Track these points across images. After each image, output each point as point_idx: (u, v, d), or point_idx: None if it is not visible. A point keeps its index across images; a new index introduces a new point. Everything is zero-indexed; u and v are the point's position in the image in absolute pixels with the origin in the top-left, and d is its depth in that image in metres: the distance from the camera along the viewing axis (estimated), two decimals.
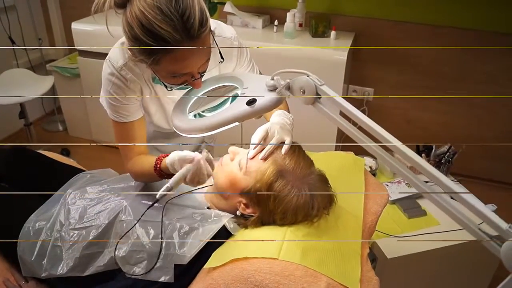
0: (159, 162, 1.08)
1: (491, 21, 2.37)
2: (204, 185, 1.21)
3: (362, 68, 2.72)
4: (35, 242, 1.13)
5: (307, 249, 0.94)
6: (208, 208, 1.14)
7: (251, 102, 0.96)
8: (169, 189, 1.01)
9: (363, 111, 2.76)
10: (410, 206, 1.81)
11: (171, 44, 0.93)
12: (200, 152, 1.04)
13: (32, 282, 1.17)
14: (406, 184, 1.91)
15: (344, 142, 2.63)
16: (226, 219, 1.05)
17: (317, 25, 2.50)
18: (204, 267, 0.97)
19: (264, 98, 0.95)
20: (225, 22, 1.31)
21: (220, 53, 1.13)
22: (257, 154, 1.05)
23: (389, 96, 2.71)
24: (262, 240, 0.97)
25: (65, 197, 1.21)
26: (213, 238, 1.00)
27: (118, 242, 1.05)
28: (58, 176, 1.34)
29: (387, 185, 1.89)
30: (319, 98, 0.90)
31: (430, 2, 2.44)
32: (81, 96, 2.89)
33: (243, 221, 1.06)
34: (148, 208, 1.07)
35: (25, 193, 1.24)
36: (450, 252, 1.65)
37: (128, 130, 1.19)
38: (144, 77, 1.16)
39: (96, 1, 0.97)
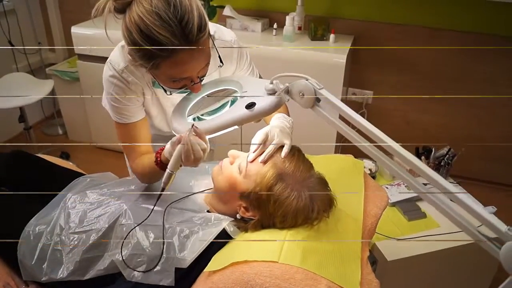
0: (158, 155, 1.08)
1: (490, 23, 2.38)
2: (204, 188, 1.22)
3: (362, 71, 2.72)
4: (35, 246, 1.13)
5: (307, 252, 0.94)
6: (208, 211, 1.14)
7: (250, 105, 0.96)
8: (170, 174, 1.00)
9: (363, 114, 2.77)
10: (410, 208, 1.81)
11: (169, 50, 0.93)
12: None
13: (32, 286, 1.17)
14: (406, 186, 1.91)
15: (343, 144, 2.64)
16: (226, 223, 1.05)
17: (316, 28, 2.51)
18: (204, 270, 0.97)
19: (263, 102, 0.95)
20: (224, 25, 1.32)
21: (219, 57, 1.13)
22: (256, 157, 1.05)
23: (389, 96, 2.70)
24: (263, 240, 0.97)
25: (65, 201, 1.21)
26: (212, 241, 1.00)
27: (122, 245, 1.04)
28: (58, 180, 1.34)
29: (387, 188, 1.90)
30: (318, 101, 0.91)
31: (429, 5, 2.45)
32: (81, 96, 2.88)
33: (243, 225, 1.06)
34: (153, 208, 1.07)
35: (24, 194, 1.24)
36: (450, 254, 1.65)
37: (131, 131, 1.20)
38: (145, 80, 1.17)
39: (96, 6, 0.97)
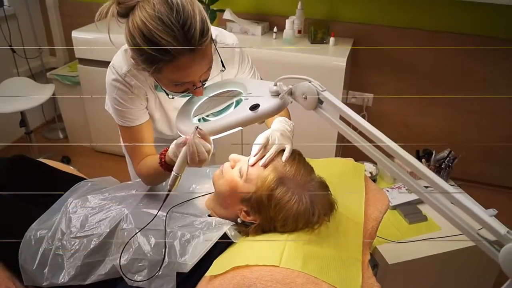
0: (163, 156, 1.08)
1: (490, 26, 2.39)
2: (206, 192, 1.22)
3: (362, 74, 2.73)
4: (36, 251, 1.13)
5: (308, 256, 0.94)
6: (209, 216, 1.14)
7: (254, 107, 0.97)
8: (176, 176, 1.01)
9: (363, 117, 2.75)
10: (411, 211, 1.80)
11: (172, 54, 0.93)
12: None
13: None
14: (406, 189, 1.91)
15: (345, 144, 2.63)
16: (227, 227, 1.05)
17: (316, 32, 2.51)
18: (206, 275, 0.97)
19: (267, 103, 0.97)
20: (225, 29, 1.33)
21: (221, 62, 1.14)
22: (257, 161, 1.05)
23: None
24: (265, 240, 0.97)
25: (66, 206, 1.21)
26: (214, 246, 1.01)
27: (122, 250, 1.04)
28: (59, 185, 1.34)
29: (388, 191, 1.90)
30: (321, 103, 0.92)
31: (428, 8, 2.45)
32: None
33: (244, 229, 1.06)
34: (157, 212, 1.08)
35: (26, 199, 1.24)
36: (451, 257, 1.64)
37: (136, 134, 1.21)
38: (148, 84, 1.17)
39: (100, 10, 0.98)
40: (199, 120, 1.11)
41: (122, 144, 1.37)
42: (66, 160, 3.00)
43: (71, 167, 1.68)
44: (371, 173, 1.97)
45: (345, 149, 2.64)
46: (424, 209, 1.82)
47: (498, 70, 2.47)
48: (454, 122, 2.69)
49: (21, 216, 1.23)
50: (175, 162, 1.03)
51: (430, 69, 2.60)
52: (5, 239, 1.16)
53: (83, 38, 2.65)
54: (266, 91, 0.99)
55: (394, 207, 1.82)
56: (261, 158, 1.05)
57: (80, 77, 2.84)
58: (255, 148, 1.06)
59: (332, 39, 2.48)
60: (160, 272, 0.99)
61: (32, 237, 1.16)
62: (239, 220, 1.08)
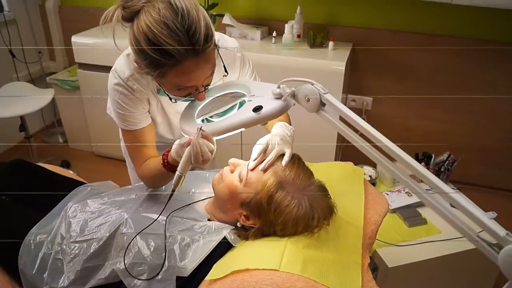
0: (165, 157, 1.09)
1: (490, 30, 2.39)
2: (205, 197, 1.22)
3: (361, 78, 2.73)
4: (36, 255, 1.13)
5: (308, 260, 0.94)
6: (209, 220, 1.14)
7: (257, 109, 0.98)
8: (180, 176, 1.03)
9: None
10: (411, 214, 1.81)
11: (176, 59, 0.94)
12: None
13: None
14: (406, 193, 1.91)
15: (345, 148, 2.64)
16: (227, 231, 1.05)
17: (315, 36, 2.52)
18: (205, 279, 0.97)
19: (270, 105, 0.98)
20: (224, 34, 1.34)
21: (224, 67, 1.14)
22: (257, 166, 1.05)
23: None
24: (265, 244, 0.97)
25: (66, 210, 1.21)
26: (214, 250, 1.01)
27: (125, 254, 1.05)
28: (59, 189, 1.35)
29: (387, 194, 1.90)
30: (323, 106, 0.93)
31: (428, 12, 2.46)
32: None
33: (244, 233, 1.06)
34: (159, 215, 1.08)
35: (25, 203, 1.24)
36: (451, 260, 1.64)
37: (138, 137, 1.21)
38: (150, 88, 1.18)
39: (105, 14, 0.99)
40: (202, 120, 1.13)
41: (122, 145, 1.37)
42: (66, 165, 3.00)
43: (71, 172, 1.69)
44: (370, 176, 1.98)
45: (344, 153, 2.64)
46: (424, 212, 1.82)
47: (497, 72, 2.48)
48: (454, 125, 2.70)
49: (21, 220, 1.23)
50: (178, 162, 1.04)
51: (429, 72, 2.60)
52: (5, 244, 1.16)
53: (83, 43, 2.66)
54: (269, 93, 1.00)
55: (394, 211, 1.83)
56: (260, 163, 1.05)
57: (79, 81, 2.84)
58: (254, 153, 1.06)
59: (331, 43, 2.48)
60: (160, 276, 0.99)
61: (31, 241, 1.16)
62: (238, 224, 1.08)
